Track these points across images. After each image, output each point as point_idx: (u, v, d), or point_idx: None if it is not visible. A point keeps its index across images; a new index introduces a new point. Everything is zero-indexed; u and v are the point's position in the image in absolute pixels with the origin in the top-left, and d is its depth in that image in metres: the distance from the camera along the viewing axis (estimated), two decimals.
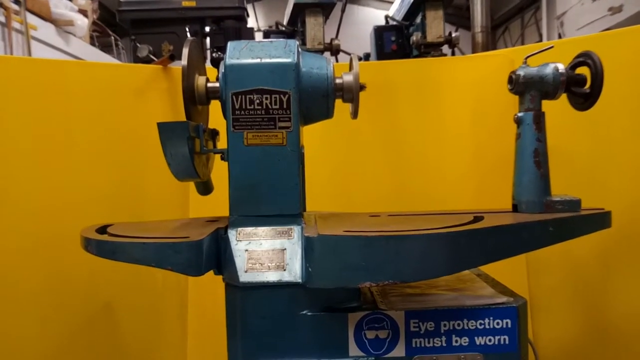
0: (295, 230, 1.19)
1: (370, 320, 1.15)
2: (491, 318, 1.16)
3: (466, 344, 1.15)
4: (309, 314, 1.14)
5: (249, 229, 1.20)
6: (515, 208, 1.36)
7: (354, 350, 1.14)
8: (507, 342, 1.15)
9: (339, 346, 1.14)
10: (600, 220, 1.33)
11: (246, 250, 1.18)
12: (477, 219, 1.25)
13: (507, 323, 1.16)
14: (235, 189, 1.22)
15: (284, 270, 1.15)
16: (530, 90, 1.34)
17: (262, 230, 1.20)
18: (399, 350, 1.15)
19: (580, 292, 1.82)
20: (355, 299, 1.18)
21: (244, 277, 1.14)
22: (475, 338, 1.15)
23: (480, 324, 1.15)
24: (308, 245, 1.13)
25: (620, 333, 1.71)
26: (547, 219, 1.22)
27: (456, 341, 1.15)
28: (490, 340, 1.15)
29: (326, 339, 1.14)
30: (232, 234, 1.20)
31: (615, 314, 1.74)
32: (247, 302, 1.15)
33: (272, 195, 1.21)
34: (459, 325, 1.15)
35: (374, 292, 1.27)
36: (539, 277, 1.93)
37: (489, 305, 1.16)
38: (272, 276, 1.14)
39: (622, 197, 1.72)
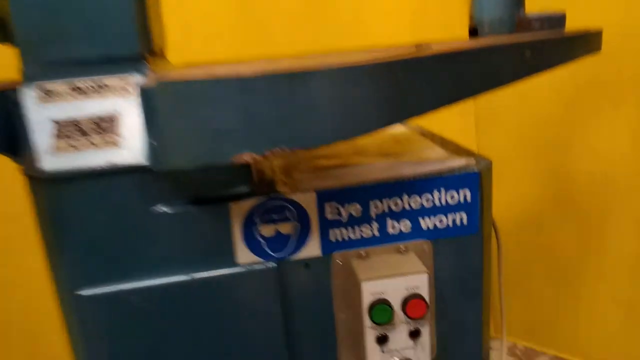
0: (134, 82, 0.73)
1: (265, 210, 0.76)
2: (442, 190, 0.79)
3: (407, 230, 0.80)
4: (166, 210, 0.73)
5: (56, 85, 0.73)
6: (475, 32, 0.95)
7: (244, 255, 0.76)
8: (464, 221, 0.81)
9: (221, 252, 0.76)
10: (588, 41, 0.94)
11: (54, 119, 0.72)
12: (422, 48, 0.83)
13: (465, 196, 0.80)
14: (26, 18, 0.72)
15: (119, 146, 0.71)
16: None
17: (77, 84, 0.73)
18: (312, 249, 0.78)
19: (540, 152, 1.52)
20: (241, 180, 0.77)
21: (51, 163, 0.70)
22: (420, 220, 0.80)
23: (428, 201, 0.79)
24: (148, 103, 0.68)
25: (582, 195, 1.45)
26: (521, 41, 0.82)
27: (393, 227, 0.80)
28: (441, 221, 0.80)
29: (199, 244, 0.75)
30: (27, 94, 0.72)
31: (578, 174, 1.45)
32: (62, 202, 0.71)
33: (89, 24, 0.72)
34: (396, 204, 0.79)
35: (275, 170, 0.87)
36: (490, 138, 1.60)
37: (439, 172, 0.79)
38: (98, 158, 0.70)
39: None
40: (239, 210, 0.75)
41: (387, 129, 1.10)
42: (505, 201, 1.48)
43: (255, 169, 0.80)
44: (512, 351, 1.36)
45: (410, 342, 0.76)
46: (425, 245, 0.81)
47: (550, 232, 1.50)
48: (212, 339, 0.77)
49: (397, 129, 1.10)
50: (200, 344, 0.77)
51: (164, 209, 0.73)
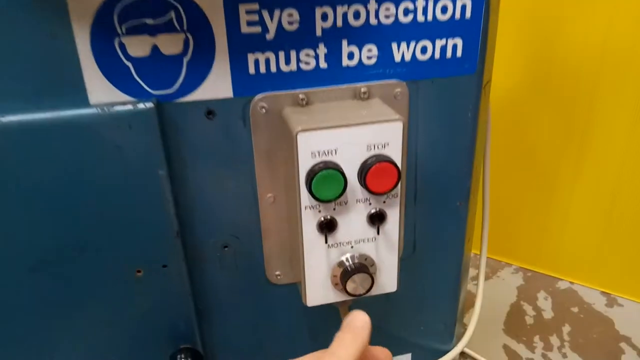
0: None
1: (131, 7, 0.44)
2: None
3: (372, 61, 0.51)
4: None
5: None
6: None
7: (99, 89, 0.45)
8: (458, 53, 0.52)
9: (56, 82, 0.44)
10: None
11: None
12: None
13: (464, 8, 0.50)
14: None
15: None
16: None
17: None
18: (217, 85, 0.48)
19: (529, 29, 1.24)
20: None
21: None
22: (393, 47, 0.51)
23: (407, 14, 0.49)
24: None
25: (571, 78, 1.20)
26: None
27: (350, 56, 0.50)
28: (424, 50, 0.51)
29: (16, 66, 0.43)
30: None
31: (569, 55, 1.20)
32: None
33: None
34: (357, 16, 0.49)
35: None
36: None
37: None
38: None
39: None
40: (83, 5, 0.43)
41: None
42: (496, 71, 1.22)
43: None
44: (474, 263, 1.13)
45: (369, 232, 0.50)
46: (398, 88, 0.52)
47: (529, 123, 1.27)
48: (38, 223, 0.47)
49: None
50: (22, 225, 0.47)
51: None
